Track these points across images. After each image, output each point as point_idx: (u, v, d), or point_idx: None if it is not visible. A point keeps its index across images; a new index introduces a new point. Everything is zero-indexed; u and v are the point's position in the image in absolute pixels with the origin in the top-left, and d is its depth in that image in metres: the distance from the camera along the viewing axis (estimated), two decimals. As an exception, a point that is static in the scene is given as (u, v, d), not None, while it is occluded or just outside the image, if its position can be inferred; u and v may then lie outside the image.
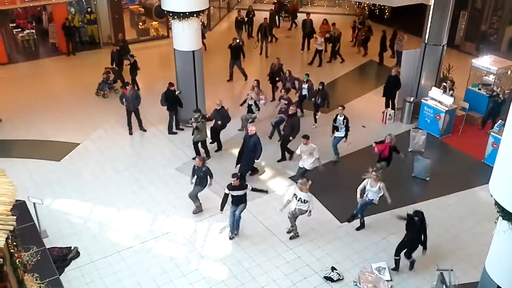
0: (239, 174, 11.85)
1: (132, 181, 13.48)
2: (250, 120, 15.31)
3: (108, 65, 18.85)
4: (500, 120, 14.15)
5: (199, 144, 14.15)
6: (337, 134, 14.14)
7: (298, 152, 12.90)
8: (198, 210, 12.26)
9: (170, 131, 15.82)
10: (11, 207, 7.12)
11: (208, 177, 11.95)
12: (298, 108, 15.52)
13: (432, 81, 16.50)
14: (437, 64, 16.37)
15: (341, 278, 10.37)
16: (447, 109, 15.44)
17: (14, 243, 7.39)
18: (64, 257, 10.67)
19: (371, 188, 11.23)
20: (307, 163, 12.76)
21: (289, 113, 14.19)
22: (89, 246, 11.14)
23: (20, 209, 9.42)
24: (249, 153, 13.09)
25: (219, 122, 14.49)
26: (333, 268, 10.56)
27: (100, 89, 18.23)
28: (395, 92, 16.68)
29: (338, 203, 12.58)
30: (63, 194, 12.89)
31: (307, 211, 11.04)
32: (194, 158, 13.39)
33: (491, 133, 14.19)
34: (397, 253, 10.44)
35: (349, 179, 13.43)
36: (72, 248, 10.92)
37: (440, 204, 12.72)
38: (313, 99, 16.18)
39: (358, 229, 11.80)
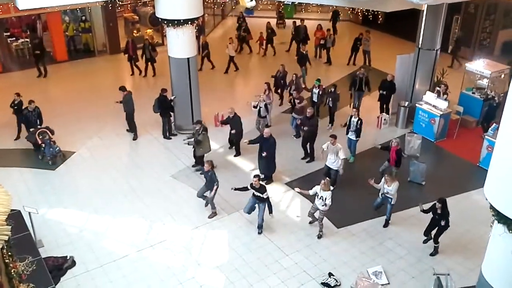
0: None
1: (127, 189, 13.45)
2: (265, 125, 15.50)
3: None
4: (494, 124, 14.21)
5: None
6: (350, 135, 14.42)
7: (324, 147, 13.14)
8: (213, 215, 12.44)
9: (165, 136, 15.87)
10: (6, 216, 7.08)
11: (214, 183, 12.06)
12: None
13: (426, 85, 16.57)
14: (431, 68, 16.46)
15: (338, 284, 10.36)
16: (441, 113, 15.50)
17: (9, 253, 7.36)
18: (60, 266, 10.62)
19: (387, 187, 11.63)
20: (330, 162, 13.10)
21: (307, 115, 14.46)
22: (85, 255, 11.09)
23: (15, 218, 9.42)
24: (265, 151, 13.32)
25: (233, 131, 14.57)
26: (330, 274, 10.55)
27: (49, 156, 14.46)
28: (390, 97, 16.75)
29: (334, 209, 12.56)
30: (59, 203, 12.84)
31: (323, 210, 11.42)
32: (197, 170, 13.98)
33: (486, 136, 14.25)
34: (426, 233, 11.36)
35: (346, 185, 13.47)
36: (68, 258, 10.88)
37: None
38: (322, 102, 16.61)
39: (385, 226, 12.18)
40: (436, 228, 11.02)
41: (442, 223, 10.79)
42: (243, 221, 12.16)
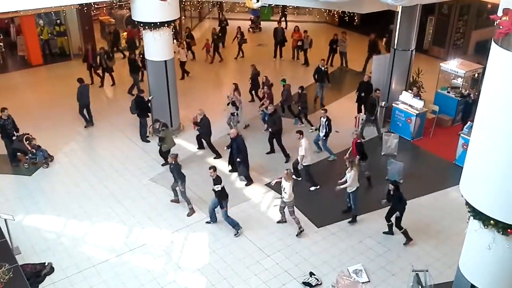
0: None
1: (106, 193, 13.30)
2: (232, 124, 15.67)
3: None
4: (469, 122, 14.46)
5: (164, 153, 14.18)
6: (320, 134, 14.63)
7: None
8: (192, 212, 12.46)
9: (144, 139, 15.76)
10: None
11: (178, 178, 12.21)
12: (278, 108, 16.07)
13: (402, 85, 16.80)
14: (406, 68, 16.71)
15: (319, 283, 10.42)
16: (417, 112, 15.73)
17: (-15, 261, 7.22)
18: (38, 273, 10.46)
19: (347, 174, 11.86)
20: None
21: (269, 112, 14.84)
22: (64, 261, 10.94)
23: (-10, 226, 9.23)
24: (237, 156, 13.49)
25: (198, 130, 14.76)
26: (311, 274, 10.61)
27: (43, 159, 14.33)
28: (367, 97, 16.91)
29: (314, 209, 12.67)
30: (36, 210, 12.63)
31: (285, 201, 11.61)
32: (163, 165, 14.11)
33: (461, 134, 14.51)
34: (387, 217, 11.52)
35: (323, 185, 13.56)
36: (46, 264, 10.72)
37: (414, 205, 12.81)
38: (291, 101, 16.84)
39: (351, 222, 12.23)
40: (394, 215, 11.35)
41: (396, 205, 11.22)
42: (223, 223, 12.12)
